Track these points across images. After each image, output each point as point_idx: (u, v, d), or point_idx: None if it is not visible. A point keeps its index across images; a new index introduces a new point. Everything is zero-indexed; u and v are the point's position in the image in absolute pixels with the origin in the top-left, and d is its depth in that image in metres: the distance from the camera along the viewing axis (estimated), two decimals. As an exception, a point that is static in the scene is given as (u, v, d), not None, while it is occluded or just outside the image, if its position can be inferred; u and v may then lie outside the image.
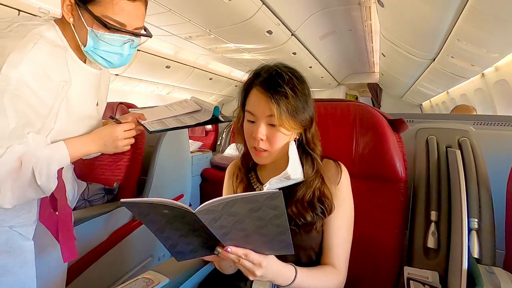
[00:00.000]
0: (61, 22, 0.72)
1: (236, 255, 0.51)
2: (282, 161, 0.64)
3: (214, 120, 0.87)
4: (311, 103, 0.66)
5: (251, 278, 0.54)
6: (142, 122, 0.88)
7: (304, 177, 0.66)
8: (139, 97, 5.09)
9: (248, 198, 0.45)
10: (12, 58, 0.60)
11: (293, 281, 0.58)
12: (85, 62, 0.78)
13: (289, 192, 0.66)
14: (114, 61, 0.74)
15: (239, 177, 0.77)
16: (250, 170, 0.78)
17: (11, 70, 0.59)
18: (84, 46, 0.70)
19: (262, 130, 0.63)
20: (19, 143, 0.65)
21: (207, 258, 0.60)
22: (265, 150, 0.64)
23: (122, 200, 0.48)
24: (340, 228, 0.67)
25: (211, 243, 0.53)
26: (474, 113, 1.99)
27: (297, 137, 0.67)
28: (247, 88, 0.67)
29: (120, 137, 0.80)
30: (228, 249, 0.51)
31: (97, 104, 0.87)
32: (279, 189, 0.67)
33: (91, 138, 0.78)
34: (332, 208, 0.66)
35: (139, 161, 1.56)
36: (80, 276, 1.19)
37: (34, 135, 0.68)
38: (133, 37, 0.73)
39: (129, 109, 0.98)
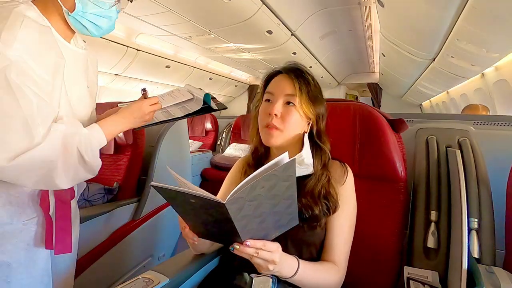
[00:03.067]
0: (39, 2, 0.70)
1: (255, 248, 0.51)
2: (291, 154, 0.65)
3: (206, 109, 0.84)
4: (324, 101, 0.72)
5: (270, 268, 0.53)
6: None
7: (314, 169, 0.68)
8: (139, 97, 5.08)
9: (268, 175, 0.45)
10: (4, 38, 0.58)
11: (296, 271, 0.58)
12: (69, 42, 0.77)
13: (298, 184, 0.67)
14: (103, 25, 0.74)
15: (247, 173, 0.78)
16: (259, 165, 0.78)
17: (7, 49, 0.58)
18: (71, 12, 0.69)
19: (278, 107, 0.66)
20: (60, 122, 0.65)
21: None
22: (277, 128, 0.66)
23: (152, 183, 0.49)
24: (343, 227, 0.68)
25: (228, 237, 0.53)
26: (487, 113, 1.98)
27: (307, 130, 0.70)
28: (269, 77, 0.72)
29: (147, 112, 0.82)
30: (247, 242, 0.50)
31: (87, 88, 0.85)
32: None
33: (122, 116, 0.80)
34: (337, 207, 0.67)
35: (139, 161, 1.56)
36: (80, 276, 1.19)
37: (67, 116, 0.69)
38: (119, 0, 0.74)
39: (118, 105, 0.95)
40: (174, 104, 0.88)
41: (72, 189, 0.84)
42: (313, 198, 0.66)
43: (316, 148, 0.70)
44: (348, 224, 0.69)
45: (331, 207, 0.66)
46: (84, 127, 0.85)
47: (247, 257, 0.52)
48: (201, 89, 0.92)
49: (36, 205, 0.75)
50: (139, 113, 0.81)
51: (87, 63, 0.84)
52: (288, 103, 0.66)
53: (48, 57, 0.65)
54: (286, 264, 0.57)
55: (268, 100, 0.69)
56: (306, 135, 0.67)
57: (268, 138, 0.68)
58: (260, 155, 0.77)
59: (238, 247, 0.50)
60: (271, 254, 0.52)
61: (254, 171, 0.76)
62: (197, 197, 0.45)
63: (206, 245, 0.76)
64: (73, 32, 0.76)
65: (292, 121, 0.66)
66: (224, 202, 0.43)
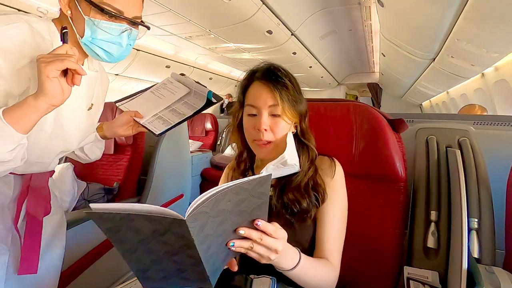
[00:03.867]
0: (59, 21, 0.71)
1: (250, 237, 0.46)
2: (278, 155, 0.65)
3: (207, 103, 0.83)
4: (303, 98, 0.70)
5: (272, 257, 0.48)
6: (142, 123, 0.84)
7: (300, 168, 0.67)
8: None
9: (238, 187, 0.40)
10: None
11: (296, 265, 0.55)
12: (82, 64, 0.77)
13: (286, 181, 0.69)
14: (114, 52, 0.71)
15: (233, 178, 0.77)
16: (247, 170, 0.78)
17: None
18: (82, 38, 0.68)
19: (266, 121, 0.64)
20: None
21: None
22: (269, 142, 0.66)
23: (92, 205, 0.38)
24: (333, 220, 0.67)
25: (186, 273, 0.45)
26: (485, 113, 1.98)
27: (294, 130, 0.70)
28: (246, 84, 0.70)
29: (45, 67, 0.56)
30: (259, 223, 0.46)
31: (90, 108, 0.83)
32: (278, 179, 0.68)
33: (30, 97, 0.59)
34: (325, 197, 0.67)
35: (139, 161, 1.56)
36: (80, 276, 1.19)
37: None
38: (130, 27, 0.71)
39: (116, 103, 0.90)
40: (177, 101, 0.85)
41: (47, 204, 0.81)
42: (299, 192, 0.66)
43: (302, 146, 0.70)
44: (338, 217, 0.68)
45: (320, 197, 0.66)
46: (74, 148, 0.83)
47: (246, 248, 0.47)
48: (183, 74, 0.90)
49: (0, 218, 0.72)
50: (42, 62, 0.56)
51: (94, 84, 0.83)
52: (274, 115, 0.65)
53: (19, 62, 0.62)
54: (288, 256, 0.54)
55: (252, 115, 0.67)
56: (289, 135, 0.66)
57: (262, 153, 0.68)
58: (245, 159, 0.77)
59: (243, 232, 0.45)
60: (276, 241, 0.47)
61: (240, 175, 0.76)
62: (147, 216, 0.37)
63: None
64: (87, 54, 0.75)
65: (280, 131, 0.66)
66: (185, 218, 0.35)
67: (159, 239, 0.40)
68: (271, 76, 0.65)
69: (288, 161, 0.63)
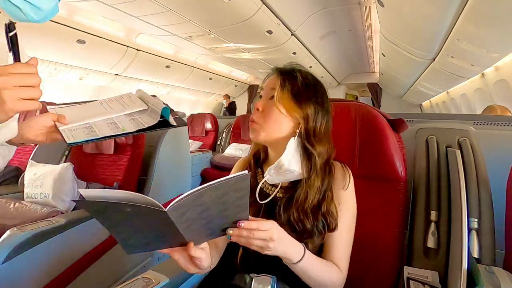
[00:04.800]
0: None
1: (250, 229, 0.49)
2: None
3: (163, 124, 0.66)
4: (324, 107, 0.67)
5: (271, 245, 0.51)
6: (61, 129, 0.65)
7: (302, 173, 0.64)
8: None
9: (218, 185, 0.44)
10: None
11: (303, 256, 0.57)
12: None
13: (291, 197, 0.66)
14: (42, 5, 0.55)
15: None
16: (258, 166, 0.78)
17: None
18: None
19: (261, 101, 0.68)
20: None
21: (162, 251, 0.54)
22: (257, 123, 0.67)
23: (82, 191, 0.43)
24: (341, 230, 0.66)
25: (167, 238, 0.51)
26: (507, 113, 1.95)
27: (297, 130, 0.65)
28: (267, 75, 0.73)
29: (7, 84, 0.47)
30: (242, 224, 0.49)
31: None
32: (286, 187, 0.69)
33: None
34: (336, 227, 0.64)
35: (139, 161, 1.56)
36: (80, 275, 1.19)
37: None
38: None
39: (47, 107, 0.70)
40: (124, 114, 0.70)
41: None
42: (304, 211, 0.63)
43: (305, 152, 0.65)
44: (346, 228, 0.67)
45: (329, 226, 0.63)
46: None
47: (245, 243, 0.51)
48: (155, 96, 0.76)
49: None
50: None
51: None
52: (272, 97, 0.66)
53: None
54: (291, 245, 0.56)
55: (260, 97, 0.72)
56: (291, 140, 0.64)
57: (250, 133, 0.69)
58: (259, 155, 0.77)
59: (231, 232, 0.50)
60: (266, 232, 0.51)
61: (252, 170, 0.77)
62: (134, 205, 0.42)
63: (209, 260, 0.60)
64: None
65: (269, 116, 0.65)
66: (166, 210, 0.42)
67: (142, 218, 0.46)
68: (285, 68, 0.70)
69: (286, 166, 0.62)
